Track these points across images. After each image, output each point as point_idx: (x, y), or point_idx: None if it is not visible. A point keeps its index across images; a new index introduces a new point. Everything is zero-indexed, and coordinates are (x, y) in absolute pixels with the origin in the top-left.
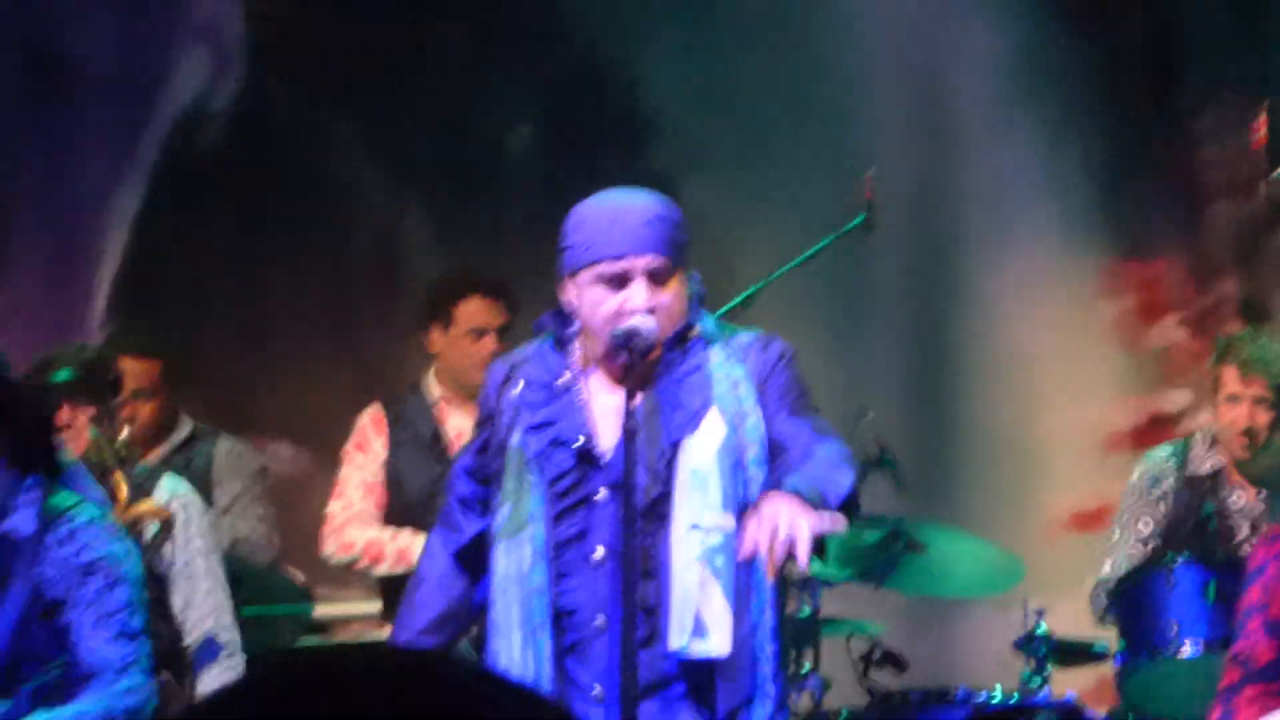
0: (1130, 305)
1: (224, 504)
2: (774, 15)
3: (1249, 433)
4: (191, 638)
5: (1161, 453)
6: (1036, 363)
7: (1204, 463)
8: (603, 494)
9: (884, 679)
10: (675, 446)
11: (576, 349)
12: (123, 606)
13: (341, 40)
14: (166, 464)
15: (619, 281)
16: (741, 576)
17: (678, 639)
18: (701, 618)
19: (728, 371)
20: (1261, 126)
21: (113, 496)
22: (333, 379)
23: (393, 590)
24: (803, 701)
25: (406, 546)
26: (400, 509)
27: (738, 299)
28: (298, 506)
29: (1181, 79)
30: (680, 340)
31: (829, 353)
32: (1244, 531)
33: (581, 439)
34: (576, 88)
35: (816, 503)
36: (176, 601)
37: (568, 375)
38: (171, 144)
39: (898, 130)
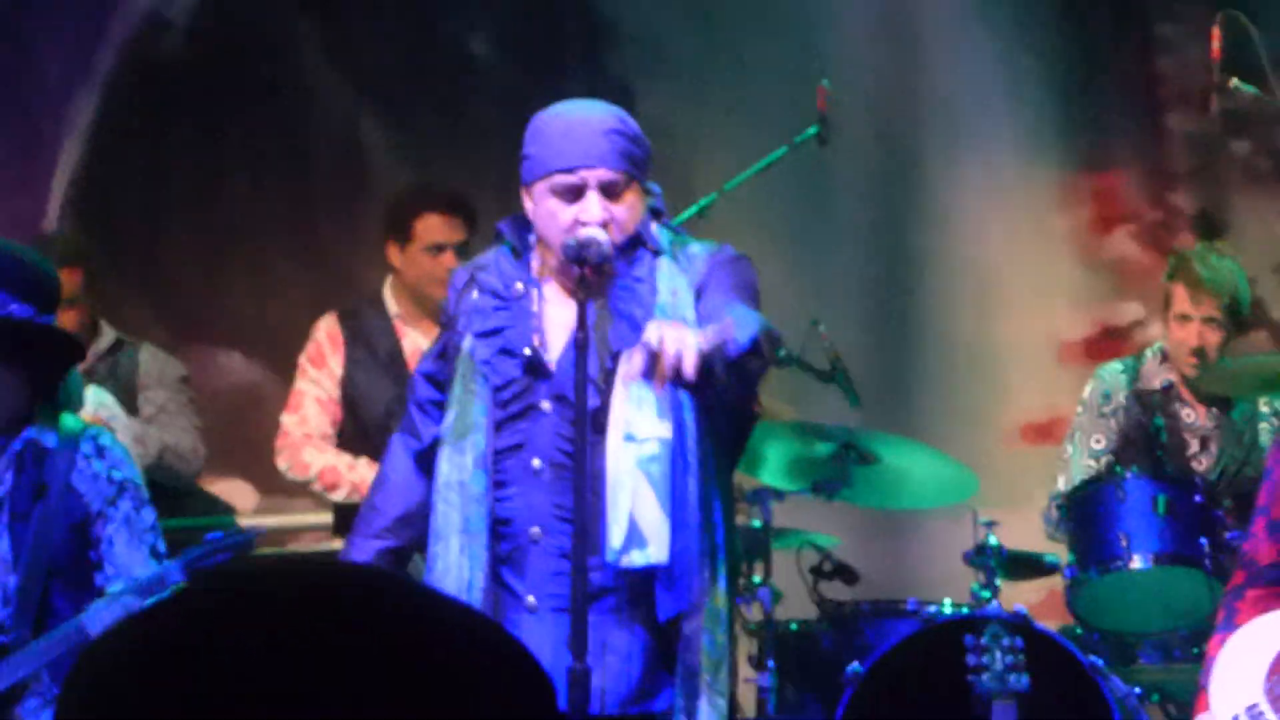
0: (1085, 217)
1: (149, 412)
2: None
3: (1198, 352)
4: None
5: (1113, 368)
6: (992, 273)
7: (1155, 378)
8: (547, 405)
9: (834, 591)
10: (616, 358)
11: (534, 258)
12: (151, 526)
13: None
14: (90, 372)
15: (573, 194)
16: (680, 485)
17: (615, 548)
18: (638, 527)
19: (671, 282)
20: (1217, 38)
21: None
22: (289, 289)
23: (345, 507)
24: (753, 613)
25: (362, 480)
26: (355, 429)
27: (692, 209)
28: (251, 417)
29: None
30: (626, 251)
31: (785, 262)
32: (1194, 447)
33: (529, 349)
34: None
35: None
36: None
37: (520, 285)
38: (129, 52)
39: (858, 39)
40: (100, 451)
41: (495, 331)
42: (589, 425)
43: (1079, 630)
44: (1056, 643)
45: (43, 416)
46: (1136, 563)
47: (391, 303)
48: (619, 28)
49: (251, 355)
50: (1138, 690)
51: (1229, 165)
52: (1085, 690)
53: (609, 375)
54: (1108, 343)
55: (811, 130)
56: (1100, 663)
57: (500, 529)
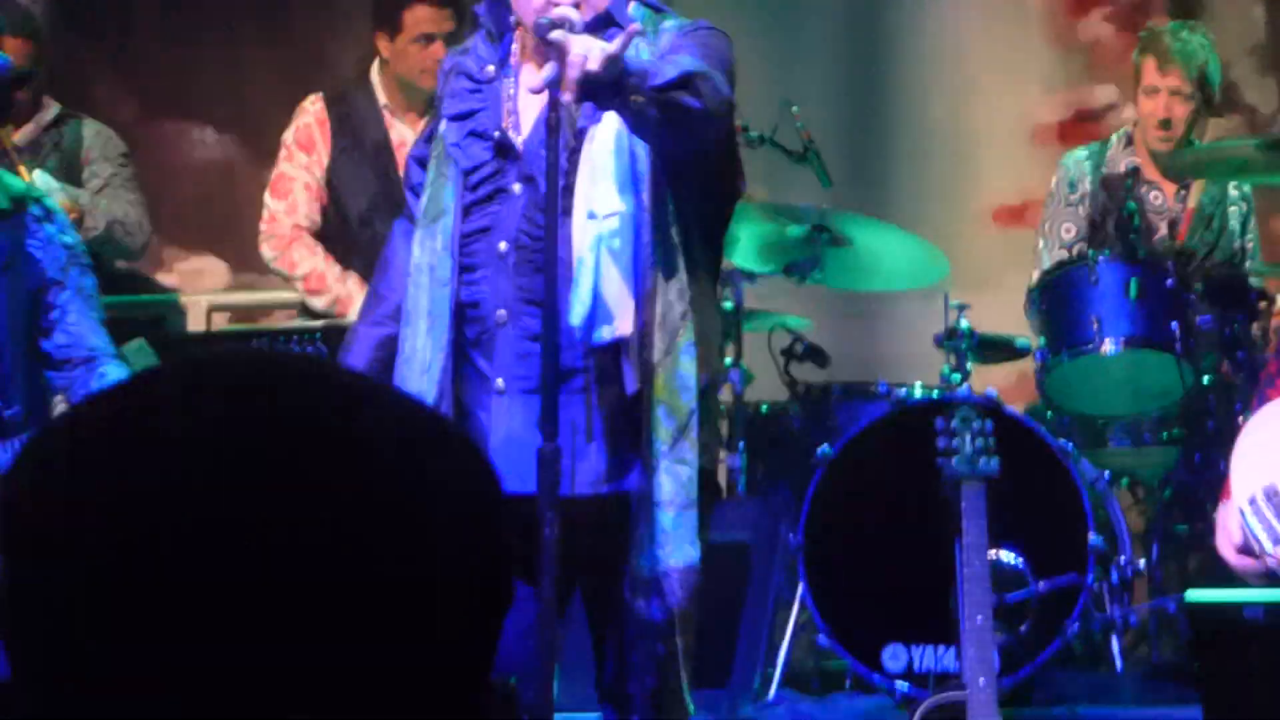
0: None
1: (95, 186)
2: None
3: (1165, 124)
4: None
5: (1078, 155)
6: (966, 54)
7: (1120, 162)
8: (516, 188)
9: (805, 373)
10: (580, 135)
11: (514, 41)
12: (97, 291)
13: None
14: (35, 145)
15: None
16: (644, 258)
17: (579, 325)
18: (604, 300)
19: (637, 57)
20: None
21: None
22: (261, 66)
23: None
24: (724, 394)
25: (347, 296)
26: (336, 219)
27: None
28: (223, 193)
29: None
30: (595, 30)
31: (758, 42)
32: (1162, 230)
33: (497, 131)
34: None
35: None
36: None
37: (492, 68)
38: None
39: None
40: (49, 214)
41: (467, 115)
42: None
43: (1049, 414)
44: (1026, 426)
45: None
46: (1108, 346)
47: (380, 92)
48: None
49: (223, 131)
50: (1107, 474)
51: None
52: (1054, 474)
53: (573, 155)
54: (1081, 126)
55: None
56: (1070, 446)
57: (469, 313)
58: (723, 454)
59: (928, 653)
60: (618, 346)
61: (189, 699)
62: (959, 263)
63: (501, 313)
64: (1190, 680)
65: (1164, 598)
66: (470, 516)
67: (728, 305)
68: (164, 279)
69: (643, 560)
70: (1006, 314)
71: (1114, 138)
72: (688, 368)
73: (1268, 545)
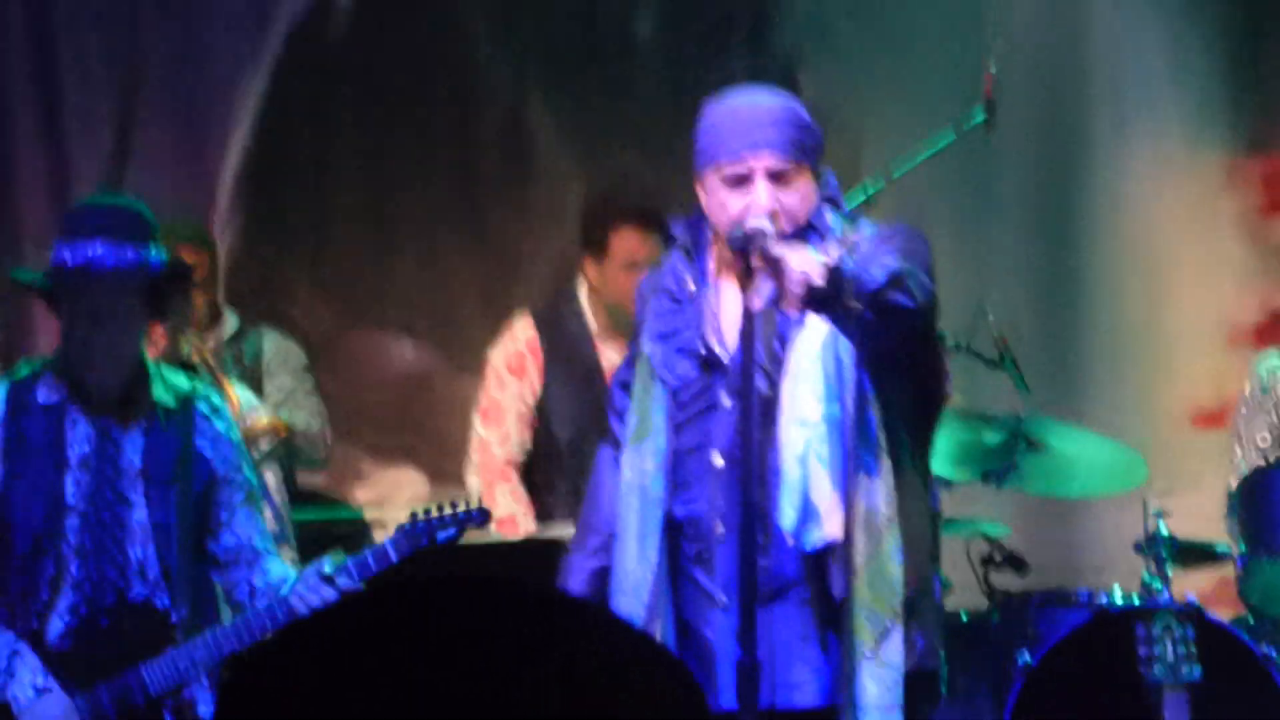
0: (1253, 200)
1: (277, 399)
2: None
3: None
4: None
5: (1270, 360)
6: (1159, 257)
7: None
8: (727, 401)
9: (1004, 581)
10: (783, 345)
11: (711, 254)
12: (263, 489)
13: None
14: (216, 358)
15: (742, 182)
16: (850, 462)
17: (790, 529)
18: (812, 505)
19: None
20: None
21: None
22: (457, 273)
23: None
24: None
25: (529, 533)
26: (547, 447)
27: (859, 196)
28: (421, 403)
29: None
30: (800, 239)
31: (951, 248)
32: None
33: (704, 348)
34: None
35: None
36: None
37: (693, 284)
38: (296, 36)
39: (1023, 18)
40: (216, 410)
41: (671, 333)
42: (763, 417)
43: (1251, 620)
44: (1229, 632)
45: (154, 375)
46: None
47: (589, 317)
48: (783, 7)
49: (421, 341)
50: None
51: None
52: (1258, 680)
53: (779, 363)
54: (1278, 327)
55: (978, 117)
56: (1274, 652)
57: (687, 529)
58: None
59: None
60: (826, 553)
61: None
62: (1157, 466)
63: (720, 527)
64: None
65: None
66: None
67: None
68: (362, 492)
69: None
70: (1204, 517)
71: None
72: (893, 571)
73: None
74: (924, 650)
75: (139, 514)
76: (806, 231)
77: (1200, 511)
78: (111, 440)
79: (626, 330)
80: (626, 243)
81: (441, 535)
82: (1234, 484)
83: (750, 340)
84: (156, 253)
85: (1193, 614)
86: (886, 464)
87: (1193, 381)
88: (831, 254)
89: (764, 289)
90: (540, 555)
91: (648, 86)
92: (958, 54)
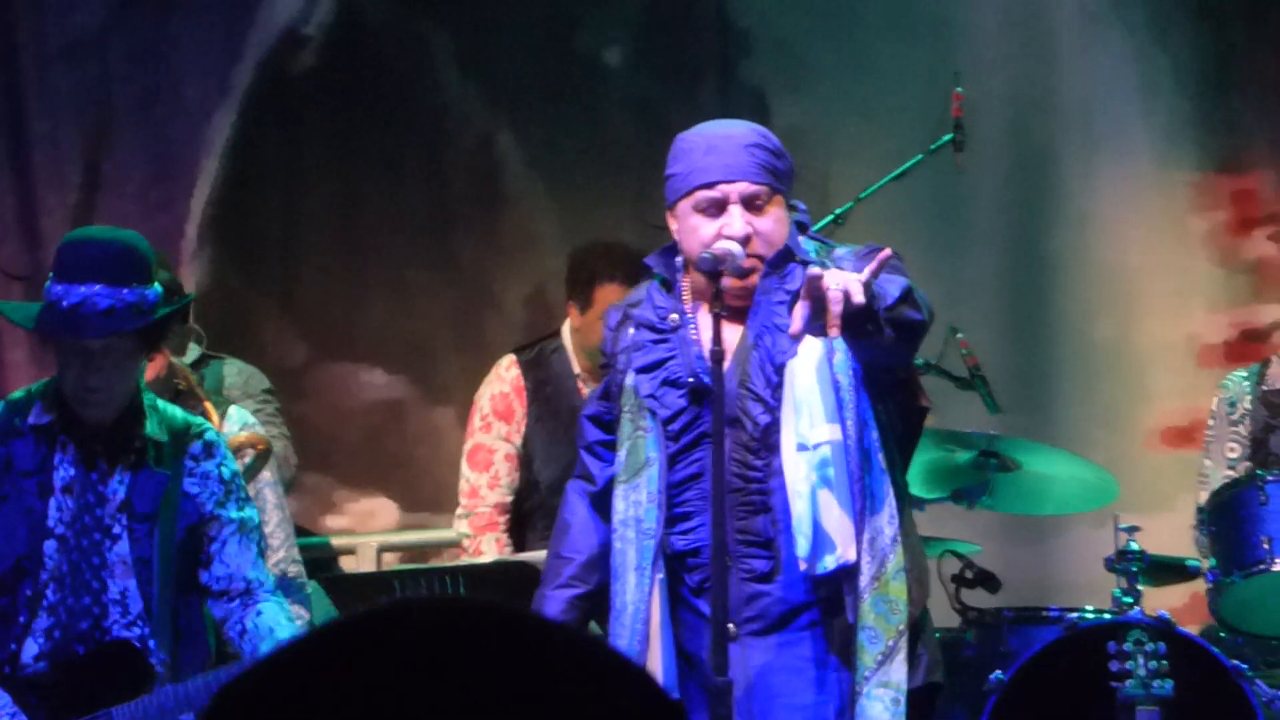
0: (1222, 219)
1: None
2: None
3: None
4: None
5: (1237, 375)
6: (1129, 276)
7: None
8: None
9: (976, 599)
10: (780, 371)
11: (685, 284)
12: (258, 524)
13: None
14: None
15: (716, 209)
16: (857, 481)
17: (805, 557)
18: (824, 531)
19: None
20: None
21: None
22: (428, 303)
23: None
24: None
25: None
26: (527, 489)
27: (828, 217)
28: (393, 433)
29: None
30: (777, 266)
31: (921, 268)
32: None
33: (692, 378)
34: (669, 5)
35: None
36: None
37: (675, 316)
38: (265, 68)
39: (992, 41)
40: (209, 449)
41: (657, 364)
42: (762, 445)
43: (1223, 634)
44: (1200, 647)
45: (149, 408)
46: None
47: (573, 359)
48: (753, 36)
49: (392, 371)
50: None
51: None
52: (1230, 695)
53: (775, 390)
54: (1248, 346)
55: (946, 137)
56: (1245, 667)
57: (689, 560)
58: None
59: None
60: (839, 577)
61: None
62: (1128, 484)
63: (725, 558)
64: None
65: None
66: None
67: None
68: (334, 521)
69: None
70: (1177, 535)
71: (1274, 357)
72: (897, 592)
73: None
74: (929, 665)
75: (121, 547)
76: (786, 258)
77: (1172, 528)
78: (97, 470)
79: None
80: (610, 295)
81: None
82: (1204, 499)
83: (719, 361)
84: (154, 290)
85: (1164, 629)
86: (889, 485)
87: (1163, 400)
88: (866, 273)
89: (800, 312)
90: (509, 578)
91: (617, 117)
92: (926, 78)
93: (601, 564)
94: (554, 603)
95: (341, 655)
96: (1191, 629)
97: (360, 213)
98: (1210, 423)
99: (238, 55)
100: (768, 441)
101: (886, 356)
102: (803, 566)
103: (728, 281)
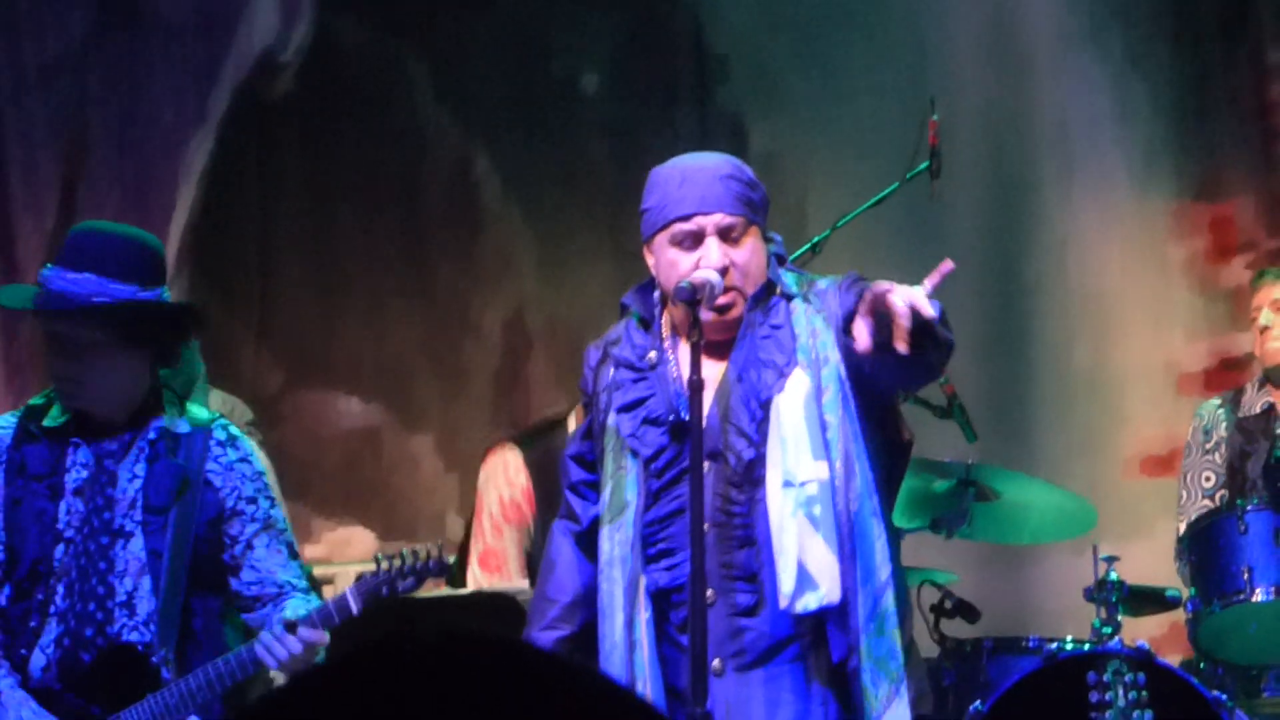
0: (1200, 247)
1: None
2: None
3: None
4: None
5: (1211, 403)
6: (1108, 303)
7: (1255, 404)
8: (705, 465)
9: (955, 628)
10: (766, 406)
11: (664, 320)
12: (287, 525)
13: None
14: None
15: (693, 241)
16: (844, 519)
17: (787, 594)
18: (807, 570)
19: (808, 323)
20: None
21: None
22: (404, 329)
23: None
24: None
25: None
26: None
27: (805, 246)
28: (369, 461)
29: (1250, 14)
30: (761, 300)
31: None
32: None
33: (672, 415)
34: (646, 30)
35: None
36: None
37: (653, 353)
38: (242, 94)
39: (968, 67)
40: (233, 441)
41: (637, 403)
42: (745, 480)
43: (1202, 664)
44: (1180, 678)
45: (169, 404)
46: (1259, 595)
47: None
48: (729, 62)
49: (368, 398)
50: None
51: None
52: None
53: (760, 426)
54: (1225, 374)
55: (923, 164)
56: (1224, 697)
57: (673, 597)
58: None
59: None
60: (822, 614)
61: None
62: (1107, 513)
63: (709, 592)
64: None
65: None
66: None
67: None
68: (311, 550)
69: None
70: (1157, 563)
71: (1249, 385)
72: (892, 632)
73: None
74: (915, 697)
75: (135, 544)
76: (769, 291)
77: (1151, 557)
78: (106, 471)
79: None
80: None
81: (401, 586)
82: (1183, 529)
83: (698, 391)
84: (153, 292)
85: (1144, 659)
86: (880, 523)
87: (1142, 427)
88: (928, 285)
89: (864, 328)
90: (487, 608)
91: (593, 142)
92: (903, 104)
93: (586, 605)
94: (539, 645)
95: (350, 689)
96: (1171, 659)
97: (336, 238)
98: (1186, 452)
99: (214, 80)
100: (751, 476)
101: (920, 377)
102: (784, 604)
103: (707, 314)
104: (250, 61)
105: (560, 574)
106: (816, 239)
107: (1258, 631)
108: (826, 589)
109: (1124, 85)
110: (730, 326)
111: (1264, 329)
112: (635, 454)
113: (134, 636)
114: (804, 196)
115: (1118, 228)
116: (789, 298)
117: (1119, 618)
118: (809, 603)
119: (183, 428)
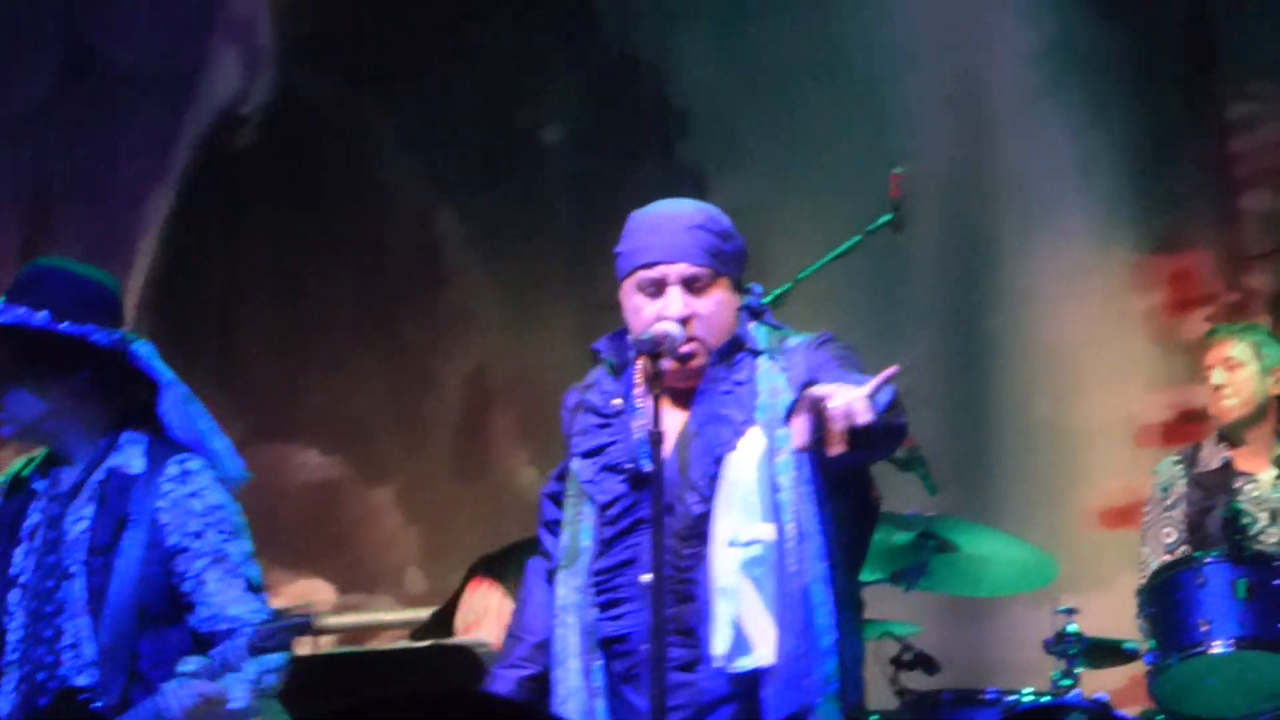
0: (1161, 299)
1: None
2: (806, 6)
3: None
4: None
5: (1169, 460)
6: (1068, 356)
7: (1212, 459)
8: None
9: (915, 681)
10: (718, 463)
11: (637, 367)
12: (246, 559)
13: (374, 38)
14: None
15: (657, 289)
16: (788, 583)
17: (721, 655)
18: (744, 631)
19: (770, 381)
20: None
21: None
22: (367, 382)
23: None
24: None
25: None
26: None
27: (767, 299)
28: (329, 515)
29: (1212, 68)
30: (726, 355)
31: (859, 348)
32: (1263, 521)
33: (631, 464)
34: (610, 84)
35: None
36: None
37: (619, 400)
38: (204, 148)
39: (930, 121)
40: (185, 477)
41: (598, 450)
42: (691, 535)
43: (1161, 717)
44: None
45: (130, 444)
46: (1218, 648)
47: None
48: (692, 116)
49: (329, 452)
50: None
51: None
52: None
53: (712, 481)
54: (1185, 426)
55: (885, 218)
56: None
57: (616, 647)
58: None
59: None
60: (760, 676)
61: None
62: (1067, 565)
63: (649, 645)
64: None
65: None
66: None
67: None
68: (271, 601)
69: None
70: (1115, 615)
71: (1206, 440)
72: (834, 694)
73: None
74: None
75: (77, 586)
76: (735, 347)
77: (1111, 609)
78: (58, 512)
79: None
80: None
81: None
82: (1143, 583)
83: (658, 444)
84: (45, 317)
85: (1103, 712)
86: (827, 590)
87: (1101, 480)
88: (869, 388)
89: (800, 428)
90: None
91: (557, 195)
92: (865, 158)
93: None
94: (503, 682)
95: None
96: (1131, 711)
97: (298, 291)
98: (1146, 509)
99: (176, 134)
100: (698, 531)
101: (868, 460)
102: (718, 663)
103: (668, 364)
104: (212, 115)
105: (530, 613)
106: (777, 292)
107: (1216, 684)
108: (761, 651)
109: (1085, 138)
110: (694, 375)
111: (1216, 387)
112: (592, 500)
113: (81, 680)
114: (765, 250)
115: (1079, 280)
116: (756, 353)
117: (1078, 670)
118: (743, 664)
119: (136, 467)
